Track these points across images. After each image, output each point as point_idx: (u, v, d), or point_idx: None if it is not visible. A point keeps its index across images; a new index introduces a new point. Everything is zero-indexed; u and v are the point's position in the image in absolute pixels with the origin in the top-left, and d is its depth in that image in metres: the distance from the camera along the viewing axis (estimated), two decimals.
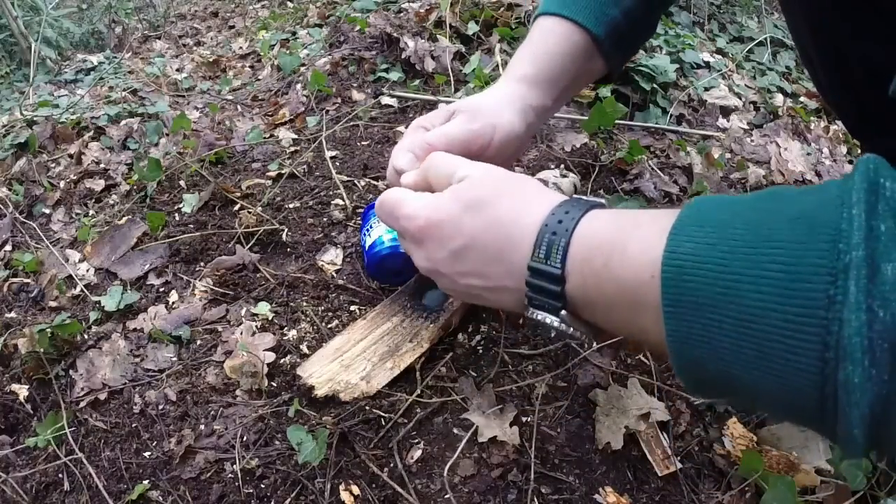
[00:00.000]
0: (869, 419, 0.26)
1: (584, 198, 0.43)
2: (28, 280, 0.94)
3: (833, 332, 0.26)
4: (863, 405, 0.26)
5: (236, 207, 0.98)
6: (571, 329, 0.42)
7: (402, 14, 1.52)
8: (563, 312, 0.41)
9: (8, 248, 1.04)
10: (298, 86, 1.38)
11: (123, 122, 1.32)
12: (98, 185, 1.14)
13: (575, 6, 0.65)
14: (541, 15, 0.67)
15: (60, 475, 0.67)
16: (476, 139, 0.58)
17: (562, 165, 1.01)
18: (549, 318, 0.42)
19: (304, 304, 0.80)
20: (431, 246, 0.48)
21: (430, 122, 0.60)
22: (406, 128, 0.61)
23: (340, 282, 0.83)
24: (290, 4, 2.47)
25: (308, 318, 0.78)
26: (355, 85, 1.34)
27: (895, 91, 0.46)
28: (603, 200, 0.43)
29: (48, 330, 0.77)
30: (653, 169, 1.02)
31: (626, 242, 0.37)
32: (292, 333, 0.76)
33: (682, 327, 0.32)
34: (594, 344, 0.70)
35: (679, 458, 0.62)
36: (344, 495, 0.59)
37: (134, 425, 0.69)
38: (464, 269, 0.46)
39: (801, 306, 0.27)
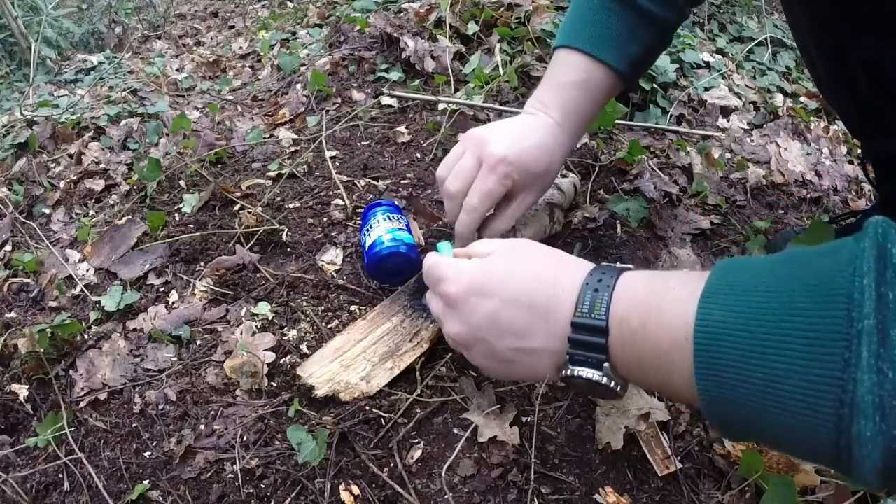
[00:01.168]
0: (881, 468, 0.29)
1: (613, 265, 0.47)
2: (28, 280, 0.94)
3: (848, 391, 0.29)
4: (874, 457, 0.29)
5: (236, 207, 0.98)
6: (613, 382, 0.44)
7: (402, 14, 1.52)
8: (607, 365, 0.43)
9: (8, 248, 1.04)
10: (298, 86, 1.38)
11: (123, 122, 1.32)
12: (98, 185, 1.14)
13: (605, 47, 0.70)
14: (571, 48, 0.71)
15: (60, 475, 0.67)
16: (529, 207, 0.71)
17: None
18: (592, 374, 0.44)
19: (304, 304, 0.80)
20: (470, 309, 0.50)
21: (514, 183, 0.66)
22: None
23: (340, 282, 0.83)
24: (290, 4, 2.47)
25: (308, 318, 0.78)
26: (355, 85, 1.34)
27: None
28: (630, 266, 0.47)
29: (48, 330, 0.77)
30: (653, 169, 1.02)
31: (661, 305, 0.40)
32: (292, 333, 0.76)
33: (711, 388, 0.36)
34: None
35: (679, 458, 0.62)
36: (344, 495, 0.59)
37: (134, 425, 0.69)
38: (503, 330, 0.48)
39: (820, 369, 0.30)
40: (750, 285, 0.35)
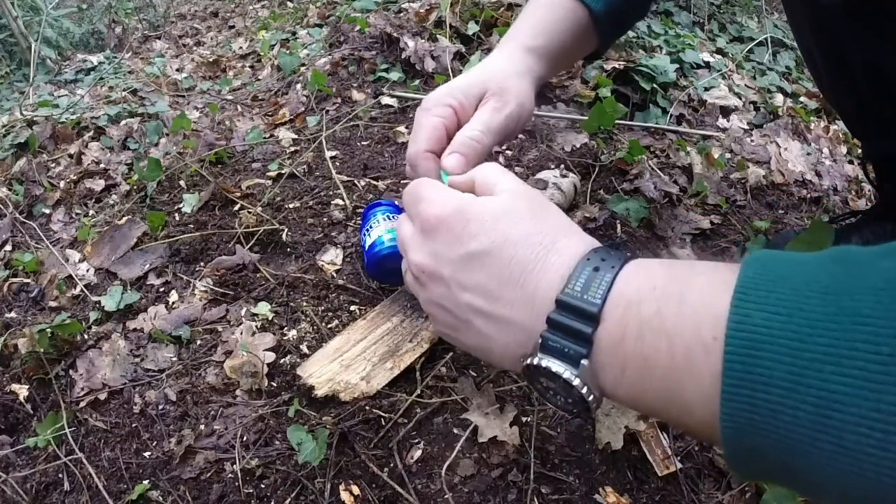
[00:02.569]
0: None
1: (621, 251, 0.37)
2: (28, 280, 0.94)
3: None
4: None
5: (236, 207, 0.98)
6: (586, 388, 0.34)
7: (402, 14, 1.52)
8: (585, 363, 0.33)
9: (8, 248, 1.04)
10: (298, 86, 1.38)
11: (123, 122, 1.32)
12: (98, 185, 1.14)
13: None
14: None
15: (60, 475, 0.67)
16: (512, 124, 0.56)
17: (562, 165, 1.01)
18: (564, 370, 0.34)
19: (304, 304, 0.80)
20: (444, 240, 0.40)
21: (458, 104, 0.55)
22: (420, 111, 0.55)
23: (340, 282, 0.83)
24: (290, 4, 2.47)
25: (308, 318, 0.78)
26: (355, 85, 1.34)
27: None
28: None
29: (48, 330, 0.77)
30: (653, 169, 1.02)
31: (684, 291, 0.31)
32: (292, 333, 0.76)
33: (743, 411, 0.27)
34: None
35: (679, 458, 0.62)
36: (344, 495, 0.59)
37: (134, 425, 0.69)
38: (472, 280, 0.38)
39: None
40: (799, 283, 0.27)
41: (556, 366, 0.34)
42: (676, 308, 0.31)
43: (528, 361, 0.35)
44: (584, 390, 0.34)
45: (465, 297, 0.38)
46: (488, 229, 0.38)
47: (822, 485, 0.26)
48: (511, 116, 0.56)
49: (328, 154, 1.07)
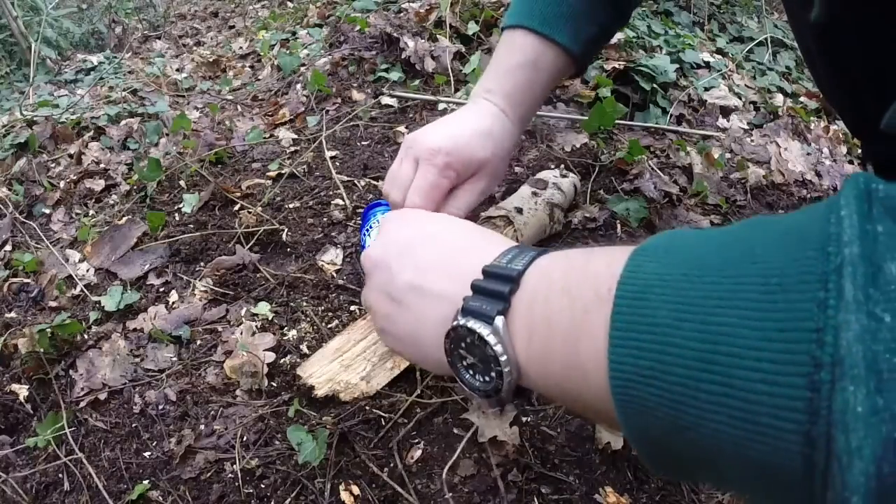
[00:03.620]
0: (875, 476, 0.18)
1: None
2: (28, 280, 0.94)
3: (827, 344, 0.20)
4: (867, 456, 0.18)
5: (236, 207, 0.98)
6: (499, 346, 0.33)
7: (402, 14, 1.52)
8: (500, 319, 0.33)
9: (8, 248, 1.04)
10: (298, 86, 1.38)
11: (123, 122, 1.32)
12: (98, 185, 1.14)
13: (557, 25, 0.65)
14: (519, 27, 0.66)
15: (60, 475, 0.67)
16: (483, 195, 0.64)
17: (562, 165, 1.01)
18: (480, 327, 0.34)
19: (304, 304, 0.80)
20: (394, 229, 0.45)
21: (457, 175, 0.61)
22: (406, 135, 0.64)
23: (340, 282, 0.83)
24: (290, 4, 2.47)
25: (308, 318, 0.78)
26: (355, 85, 1.34)
27: (887, 125, 0.44)
28: None
29: (48, 330, 0.77)
30: (653, 169, 1.02)
31: (590, 258, 0.32)
32: (292, 333, 0.76)
33: (629, 357, 0.26)
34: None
35: None
36: (344, 495, 0.59)
37: (134, 425, 0.69)
38: (411, 261, 0.41)
39: (784, 319, 0.21)
40: (697, 240, 0.27)
41: (472, 322, 0.34)
42: (581, 271, 0.31)
43: (451, 325, 0.36)
44: (499, 348, 0.33)
45: (403, 277, 0.41)
46: (433, 220, 0.45)
47: (712, 449, 0.24)
48: (485, 194, 0.65)
49: (328, 154, 1.07)
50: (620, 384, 0.26)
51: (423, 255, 0.41)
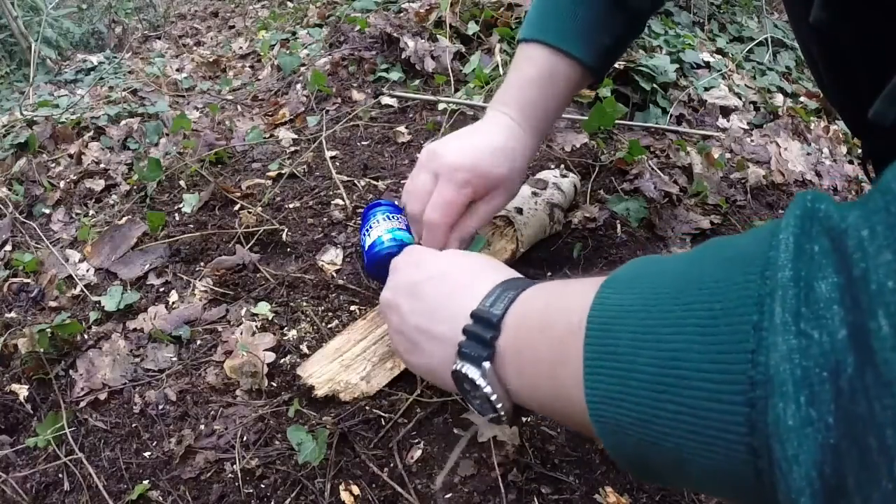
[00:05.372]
0: (817, 480, 0.20)
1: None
2: (28, 280, 0.94)
3: (759, 364, 0.22)
4: (805, 462, 0.20)
5: (236, 207, 0.98)
6: (489, 388, 0.38)
7: (402, 14, 1.52)
8: (487, 364, 0.38)
9: (8, 248, 1.04)
10: (298, 86, 1.38)
11: (123, 122, 1.32)
12: (98, 185, 1.14)
13: (571, 38, 0.65)
14: (534, 41, 0.67)
15: (60, 475, 0.67)
16: (498, 210, 0.68)
17: (562, 165, 1.01)
18: (472, 372, 0.38)
19: (304, 304, 0.80)
20: (401, 275, 0.50)
21: (475, 191, 0.64)
22: (421, 149, 0.68)
23: (340, 282, 0.83)
24: (290, 4, 2.47)
25: (308, 318, 0.78)
26: (355, 85, 1.34)
27: (875, 114, 0.43)
28: None
29: (48, 330, 0.77)
30: (653, 169, 1.02)
31: (563, 292, 0.36)
32: (292, 333, 0.76)
33: (600, 383, 0.29)
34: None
35: None
36: (344, 495, 0.59)
37: (134, 425, 0.69)
38: (417, 305, 0.46)
39: (725, 342, 0.23)
40: (657, 270, 0.30)
41: (466, 368, 0.39)
42: (556, 307, 0.35)
43: (452, 369, 0.40)
44: (488, 390, 0.38)
45: (412, 320, 0.46)
46: (432, 264, 0.48)
47: (680, 456, 0.26)
48: (499, 210, 0.68)
49: (328, 154, 1.07)
50: (595, 407, 0.29)
51: (429, 298, 0.45)
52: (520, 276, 0.45)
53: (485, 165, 0.63)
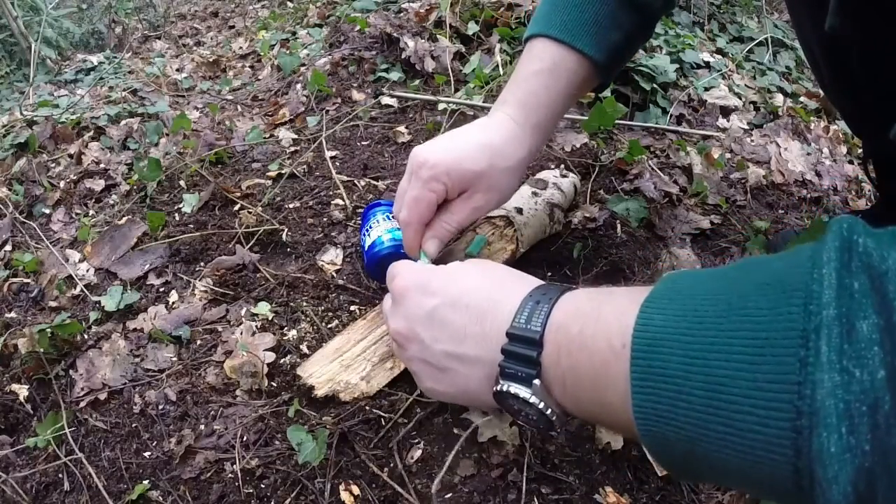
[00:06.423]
0: (853, 497, 0.23)
1: (560, 284, 0.44)
2: (28, 280, 0.94)
3: (806, 396, 0.24)
4: (843, 481, 0.23)
5: (236, 207, 0.98)
6: (542, 403, 0.39)
7: (402, 14, 1.52)
8: (537, 382, 0.39)
9: (8, 248, 1.04)
10: (298, 86, 1.38)
11: (123, 122, 1.32)
12: (98, 185, 1.14)
13: (578, 32, 0.64)
14: (540, 36, 0.66)
15: (60, 475, 0.67)
16: (485, 213, 0.66)
17: (562, 165, 1.01)
18: (522, 390, 0.39)
19: (304, 304, 0.80)
20: (411, 303, 0.48)
21: (449, 186, 0.61)
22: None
23: (340, 282, 0.83)
24: (290, 4, 2.47)
25: (308, 318, 0.78)
26: (355, 85, 1.34)
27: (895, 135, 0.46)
28: (575, 287, 0.44)
29: (48, 330, 0.77)
30: (653, 169, 1.02)
31: (601, 310, 0.36)
32: (292, 333, 0.76)
33: (648, 402, 0.31)
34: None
35: None
36: (344, 495, 0.59)
37: (134, 425, 0.69)
38: (440, 332, 0.45)
39: (771, 372, 0.26)
40: (697, 290, 0.31)
41: (514, 388, 0.40)
42: (593, 325, 0.36)
43: (495, 389, 0.41)
44: (542, 405, 0.39)
45: (438, 347, 0.45)
46: (443, 287, 0.47)
47: (726, 467, 0.29)
48: (484, 209, 0.65)
49: (328, 154, 1.07)
50: (643, 423, 0.31)
51: (453, 324, 0.45)
52: (537, 280, 0.46)
53: (456, 161, 0.61)
